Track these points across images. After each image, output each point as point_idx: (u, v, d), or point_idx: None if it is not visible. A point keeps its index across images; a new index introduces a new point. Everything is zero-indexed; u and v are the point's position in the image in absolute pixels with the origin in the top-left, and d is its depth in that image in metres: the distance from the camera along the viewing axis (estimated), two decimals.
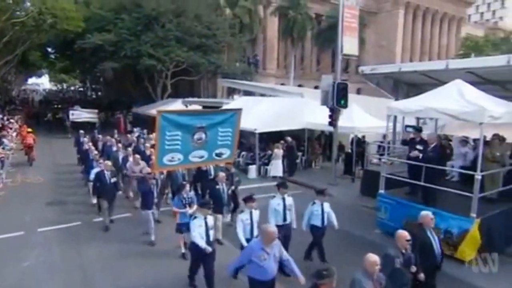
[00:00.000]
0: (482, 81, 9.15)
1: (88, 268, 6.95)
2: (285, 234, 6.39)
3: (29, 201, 11.09)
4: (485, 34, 58.82)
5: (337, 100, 12.35)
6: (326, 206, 6.95)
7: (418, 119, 10.99)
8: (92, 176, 9.70)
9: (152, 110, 26.51)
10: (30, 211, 9.99)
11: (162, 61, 27.09)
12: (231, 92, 31.36)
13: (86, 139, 14.26)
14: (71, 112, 26.26)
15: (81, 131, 16.06)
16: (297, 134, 16.32)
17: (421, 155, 7.81)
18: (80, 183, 12.82)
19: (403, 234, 4.80)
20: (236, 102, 20.21)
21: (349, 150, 15.15)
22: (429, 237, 5.40)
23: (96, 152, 10.98)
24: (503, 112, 7.26)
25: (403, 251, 4.73)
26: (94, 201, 9.87)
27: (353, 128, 13.77)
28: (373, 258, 4.09)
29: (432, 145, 7.90)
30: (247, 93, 25.25)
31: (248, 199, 6.30)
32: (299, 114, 16.05)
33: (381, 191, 8.63)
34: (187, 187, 7.57)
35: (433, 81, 10.26)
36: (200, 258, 5.76)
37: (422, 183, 7.89)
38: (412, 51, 48.41)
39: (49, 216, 9.66)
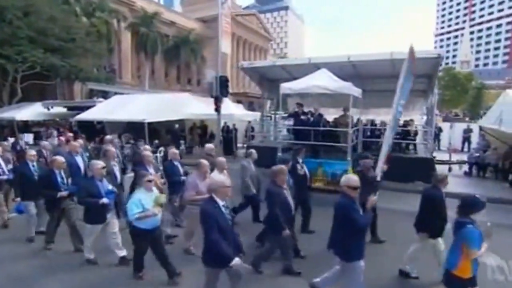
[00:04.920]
0: None
1: None
2: None
3: None
4: None
5: (220, 90, 11.82)
6: None
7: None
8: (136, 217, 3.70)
9: (2, 114, 19.48)
10: None
11: (12, 60, 19.33)
12: (92, 96, 26.27)
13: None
14: None
15: None
16: (175, 124, 15.01)
17: (312, 118, 8.23)
18: None
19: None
20: (111, 100, 16.88)
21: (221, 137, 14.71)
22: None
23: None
24: (356, 90, 8.41)
25: None
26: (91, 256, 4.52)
27: (231, 115, 13.52)
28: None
29: (317, 114, 8.45)
30: (108, 96, 21.36)
31: None
32: (178, 107, 14.64)
33: (279, 154, 8.60)
34: None
35: (287, 76, 10.99)
36: None
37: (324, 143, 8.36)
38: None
39: None
